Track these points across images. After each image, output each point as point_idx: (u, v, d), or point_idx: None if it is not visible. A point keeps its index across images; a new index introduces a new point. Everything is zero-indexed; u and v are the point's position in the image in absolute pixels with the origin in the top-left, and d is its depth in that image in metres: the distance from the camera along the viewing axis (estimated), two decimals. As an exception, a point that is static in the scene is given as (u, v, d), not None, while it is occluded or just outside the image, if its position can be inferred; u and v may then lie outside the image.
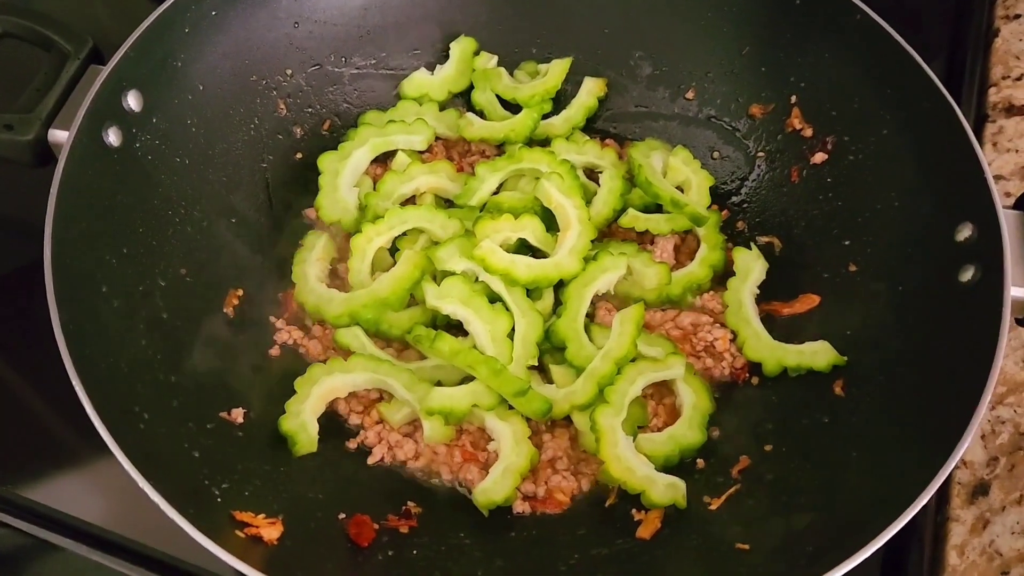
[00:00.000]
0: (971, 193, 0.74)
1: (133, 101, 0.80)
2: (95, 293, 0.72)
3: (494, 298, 0.82)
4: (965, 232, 0.74)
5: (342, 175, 0.89)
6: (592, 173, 0.94)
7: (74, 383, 0.63)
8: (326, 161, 0.90)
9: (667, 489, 0.74)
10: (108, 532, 0.79)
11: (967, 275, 0.73)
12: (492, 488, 0.74)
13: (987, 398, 0.65)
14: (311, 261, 0.86)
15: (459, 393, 0.77)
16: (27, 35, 0.83)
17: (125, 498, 0.79)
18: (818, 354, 0.79)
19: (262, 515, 0.66)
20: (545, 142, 0.95)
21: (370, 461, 0.77)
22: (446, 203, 0.92)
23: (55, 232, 0.70)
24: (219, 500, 0.66)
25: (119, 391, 0.68)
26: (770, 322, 0.84)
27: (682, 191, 0.91)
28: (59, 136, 0.77)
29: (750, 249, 0.87)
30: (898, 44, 0.83)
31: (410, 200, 0.91)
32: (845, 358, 0.78)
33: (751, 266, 0.86)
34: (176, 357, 0.75)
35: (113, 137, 0.77)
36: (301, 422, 0.76)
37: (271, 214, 0.90)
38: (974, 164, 0.74)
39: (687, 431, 0.78)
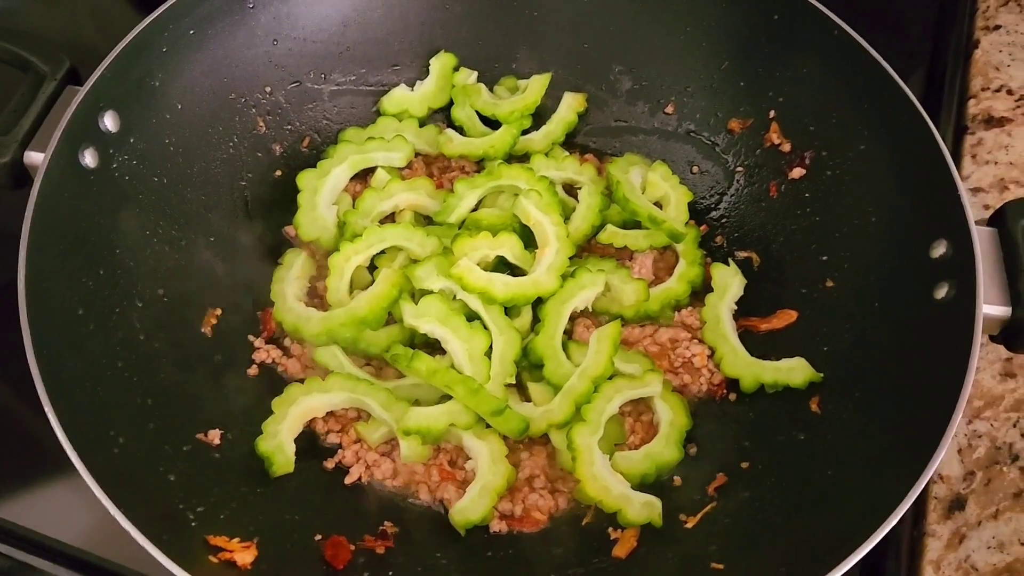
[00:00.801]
0: (946, 210, 0.74)
1: (110, 122, 0.80)
2: (71, 315, 0.72)
3: (472, 316, 0.82)
4: (940, 249, 0.74)
5: (321, 193, 0.89)
6: (571, 189, 0.94)
7: (46, 408, 0.63)
8: (305, 179, 0.90)
9: (643, 508, 0.74)
10: (86, 553, 0.79)
11: (942, 292, 0.73)
12: (469, 507, 0.74)
13: (959, 414, 0.66)
14: (289, 279, 0.86)
15: (436, 412, 0.77)
16: (4, 56, 0.83)
17: (104, 519, 0.77)
18: (795, 371, 0.79)
19: (236, 539, 0.66)
20: (524, 157, 0.96)
21: (347, 480, 0.78)
22: (425, 220, 0.92)
23: (30, 255, 0.70)
24: (194, 524, 0.66)
25: (94, 415, 0.68)
26: (748, 338, 0.85)
27: (661, 207, 0.91)
28: (35, 158, 0.77)
29: (728, 265, 0.88)
30: (875, 60, 0.83)
31: (389, 217, 0.92)
32: (821, 375, 0.78)
33: (729, 282, 0.86)
34: (153, 379, 0.75)
35: (90, 158, 0.78)
36: (278, 443, 0.76)
37: (250, 232, 0.90)
38: (948, 182, 0.75)
39: (664, 448, 0.78)
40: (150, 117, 0.84)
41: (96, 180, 0.78)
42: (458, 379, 0.77)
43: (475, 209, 0.91)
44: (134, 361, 0.75)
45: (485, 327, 0.81)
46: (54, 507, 0.82)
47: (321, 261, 0.89)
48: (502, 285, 0.82)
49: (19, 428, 0.88)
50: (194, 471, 0.72)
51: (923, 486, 0.64)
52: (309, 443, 0.79)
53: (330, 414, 0.81)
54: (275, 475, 0.75)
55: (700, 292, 0.88)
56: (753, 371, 0.81)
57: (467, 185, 0.90)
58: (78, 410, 0.66)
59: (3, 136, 0.79)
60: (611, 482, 0.74)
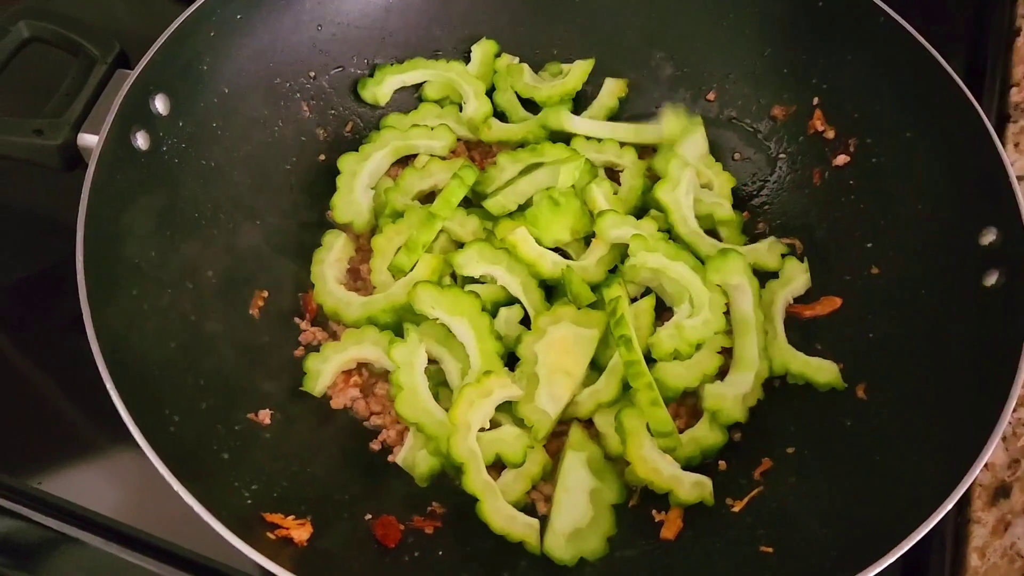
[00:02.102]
0: (995, 197, 0.74)
1: (160, 105, 0.81)
2: (125, 296, 0.73)
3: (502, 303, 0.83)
4: (989, 236, 0.74)
5: (359, 176, 0.90)
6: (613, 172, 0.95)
7: (108, 387, 0.64)
8: (346, 162, 0.91)
9: (694, 487, 0.74)
10: (127, 526, 0.80)
11: (991, 279, 0.73)
12: (503, 490, 0.74)
13: (1012, 404, 0.66)
14: (330, 262, 0.87)
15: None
16: (55, 40, 0.84)
17: (144, 492, 0.80)
18: (822, 370, 0.79)
19: (291, 516, 0.67)
20: (566, 142, 0.96)
21: (391, 459, 0.78)
22: (465, 202, 0.92)
23: (87, 236, 0.70)
24: (249, 502, 0.67)
25: (150, 394, 0.69)
26: (792, 324, 0.84)
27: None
28: (88, 140, 0.78)
29: (802, 262, 0.87)
30: (921, 46, 0.82)
31: (429, 197, 0.91)
32: (845, 385, 0.78)
33: (795, 276, 0.86)
34: (204, 359, 0.76)
35: (141, 141, 0.78)
36: (325, 367, 0.80)
37: (295, 216, 0.91)
38: (998, 167, 0.74)
39: (708, 432, 0.78)
40: (198, 101, 0.85)
41: (147, 163, 0.79)
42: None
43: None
44: (186, 342, 0.76)
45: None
46: (94, 480, 0.83)
47: (364, 243, 0.90)
48: (551, 263, 0.82)
49: (59, 404, 0.89)
50: (246, 450, 0.72)
51: (975, 476, 0.64)
52: (354, 426, 0.80)
53: (371, 394, 0.82)
54: (307, 389, 0.79)
55: (762, 279, 0.86)
56: (784, 356, 0.81)
57: (510, 158, 0.90)
58: (136, 389, 0.66)
59: (56, 119, 0.80)
60: (661, 464, 0.74)
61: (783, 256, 0.88)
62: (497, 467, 0.77)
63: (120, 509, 0.80)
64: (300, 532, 0.65)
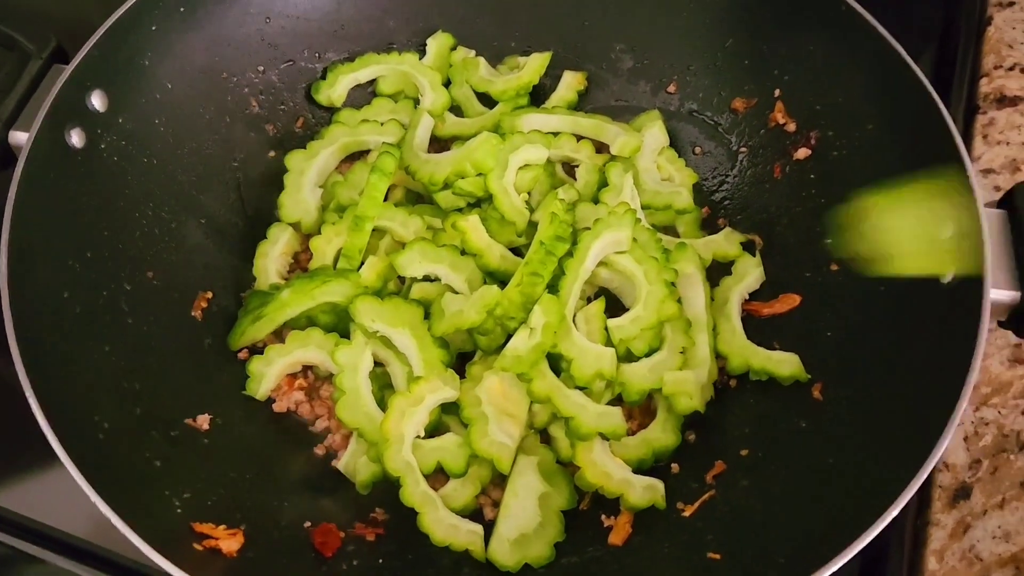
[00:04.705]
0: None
1: (97, 101, 0.78)
2: (56, 299, 0.71)
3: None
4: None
5: (307, 174, 0.88)
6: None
7: (26, 392, 0.62)
8: (293, 160, 0.88)
9: (645, 491, 0.72)
10: (86, 542, 0.78)
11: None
12: (451, 495, 0.73)
13: (964, 402, 0.64)
14: (273, 256, 0.85)
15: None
16: (-11, 34, 0.82)
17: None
18: (784, 363, 0.77)
19: (223, 526, 0.65)
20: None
21: (335, 464, 0.76)
22: (416, 199, 0.90)
23: (13, 237, 0.68)
24: (179, 511, 0.65)
25: (79, 400, 0.67)
26: (751, 322, 0.82)
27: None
28: (19, 138, 0.76)
29: (755, 256, 0.85)
30: (883, 37, 0.80)
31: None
32: (809, 376, 0.76)
33: (748, 271, 0.84)
34: (140, 363, 0.74)
35: (76, 138, 0.76)
36: (269, 370, 0.78)
37: (243, 214, 0.89)
38: (957, 162, 0.72)
39: (661, 434, 0.76)
40: (139, 97, 0.83)
41: (83, 160, 0.77)
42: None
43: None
44: (121, 345, 0.73)
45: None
46: (53, 495, 0.81)
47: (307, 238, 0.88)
48: (499, 255, 0.80)
49: (17, 415, 0.87)
50: (181, 457, 0.70)
51: (926, 475, 0.62)
52: (298, 431, 0.78)
53: (316, 397, 0.80)
54: (250, 392, 0.77)
55: (714, 276, 0.85)
56: (744, 353, 0.79)
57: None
58: (61, 395, 0.65)
59: (-13, 115, 0.77)
60: (611, 467, 0.72)
61: (740, 245, 0.86)
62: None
63: (81, 526, 0.79)
64: (230, 543, 0.63)
